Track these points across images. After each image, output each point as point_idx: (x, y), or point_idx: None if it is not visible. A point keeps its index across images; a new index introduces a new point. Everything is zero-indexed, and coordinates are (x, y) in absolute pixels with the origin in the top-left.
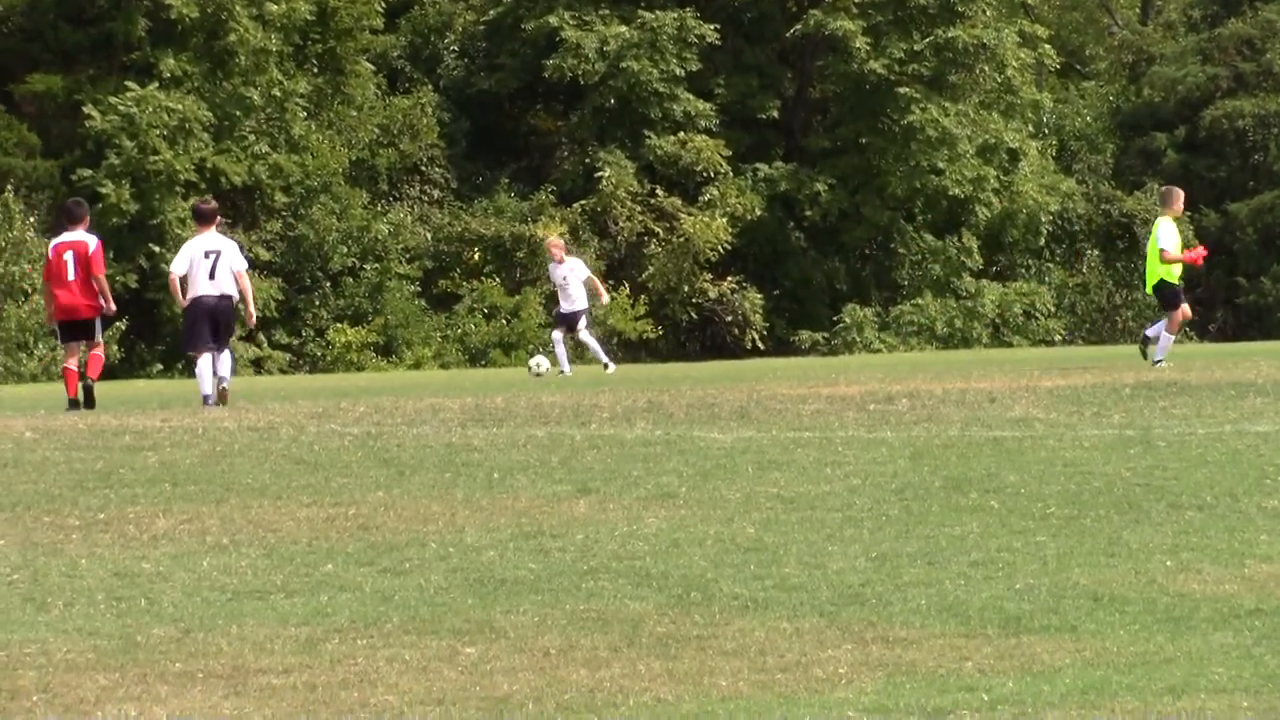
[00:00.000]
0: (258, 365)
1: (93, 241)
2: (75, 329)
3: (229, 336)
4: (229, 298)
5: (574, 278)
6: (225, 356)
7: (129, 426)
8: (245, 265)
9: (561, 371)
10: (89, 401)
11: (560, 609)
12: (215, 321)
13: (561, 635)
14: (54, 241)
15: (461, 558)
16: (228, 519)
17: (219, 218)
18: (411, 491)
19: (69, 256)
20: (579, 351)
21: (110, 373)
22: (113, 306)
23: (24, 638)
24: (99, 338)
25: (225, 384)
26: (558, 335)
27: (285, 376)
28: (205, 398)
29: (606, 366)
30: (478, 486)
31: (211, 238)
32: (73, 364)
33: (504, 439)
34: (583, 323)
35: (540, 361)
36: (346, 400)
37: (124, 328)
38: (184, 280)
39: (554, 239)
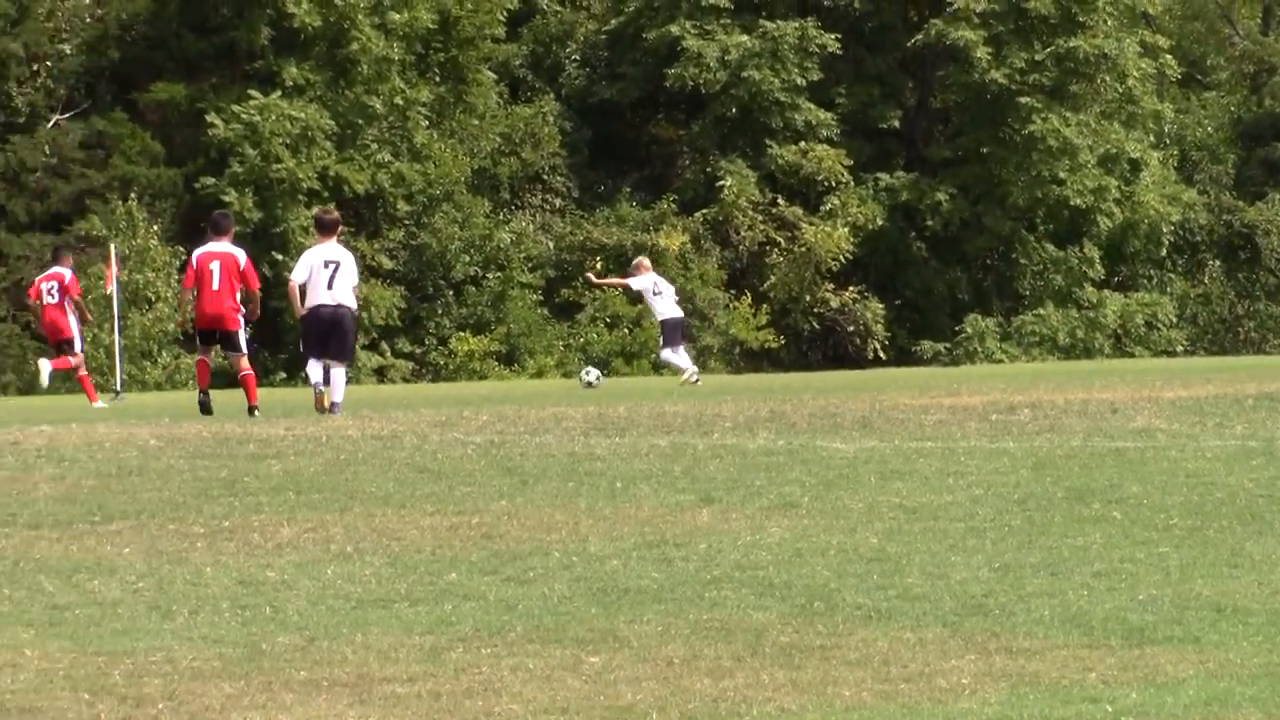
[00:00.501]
0: (381, 374)
1: (242, 255)
2: (214, 337)
3: (346, 347)
4: (346, 308)
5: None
6: (338, 378)
7: (253, 435)
8: (357, 280)
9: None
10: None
11: (684, 618)
12: (330, 331)
13: (685, 645)
14: (199, 251)
15: (585, 567)
16: (352, 527)
17: (341, 228)
18: (535, 500)
19: (215, 266)
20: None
21: (233, 380)
22: (256, 312)
23: (149, 646)
24: (243, 349)
25: (337, 408)
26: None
27: (408, 385)
28: (316, 385)
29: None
30: (601, 495)
31: (332, 248)
32: (208, 356)
33: (627, 448)
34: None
35: (591, 371)
36: (469, 409)
37: (247, 335)
38: (303, 289)
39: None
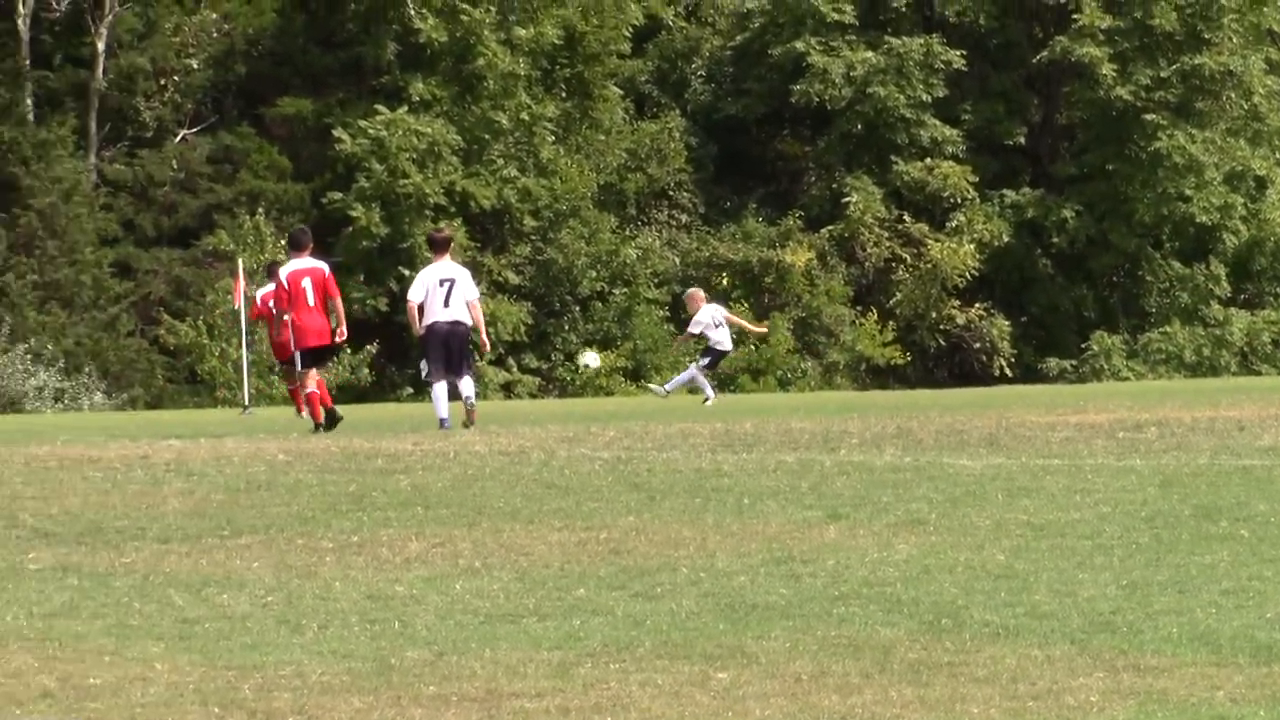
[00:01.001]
0: (507, 389)
1: (325, 266)
2: (319, 355)
3: (466, 363)
4: (463, 324)
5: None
6: (466, 388)
7: (381, 450)
8: (477, 294)
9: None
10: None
11: (811, 634)
12: (450, 348)
13: (813, 661)
14: (288, 269)
15: (713, 583)
16: (480, 542)
17: (453, 245)
18: (662, 516)
19: (307, 283)
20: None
21: (361, 396)
22: (344, 330)
23: (279, 660)
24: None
25: (471, 402)
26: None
27: (535, 401)
28: (441, 421)
29: (663, 391)
30: (728, 512)
31: (446, 265)
32: (312, 385)
33: (754, 464)
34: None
35: (587, 354)
36: (596, 424)
37: (374, 351)
38: (421, 308)
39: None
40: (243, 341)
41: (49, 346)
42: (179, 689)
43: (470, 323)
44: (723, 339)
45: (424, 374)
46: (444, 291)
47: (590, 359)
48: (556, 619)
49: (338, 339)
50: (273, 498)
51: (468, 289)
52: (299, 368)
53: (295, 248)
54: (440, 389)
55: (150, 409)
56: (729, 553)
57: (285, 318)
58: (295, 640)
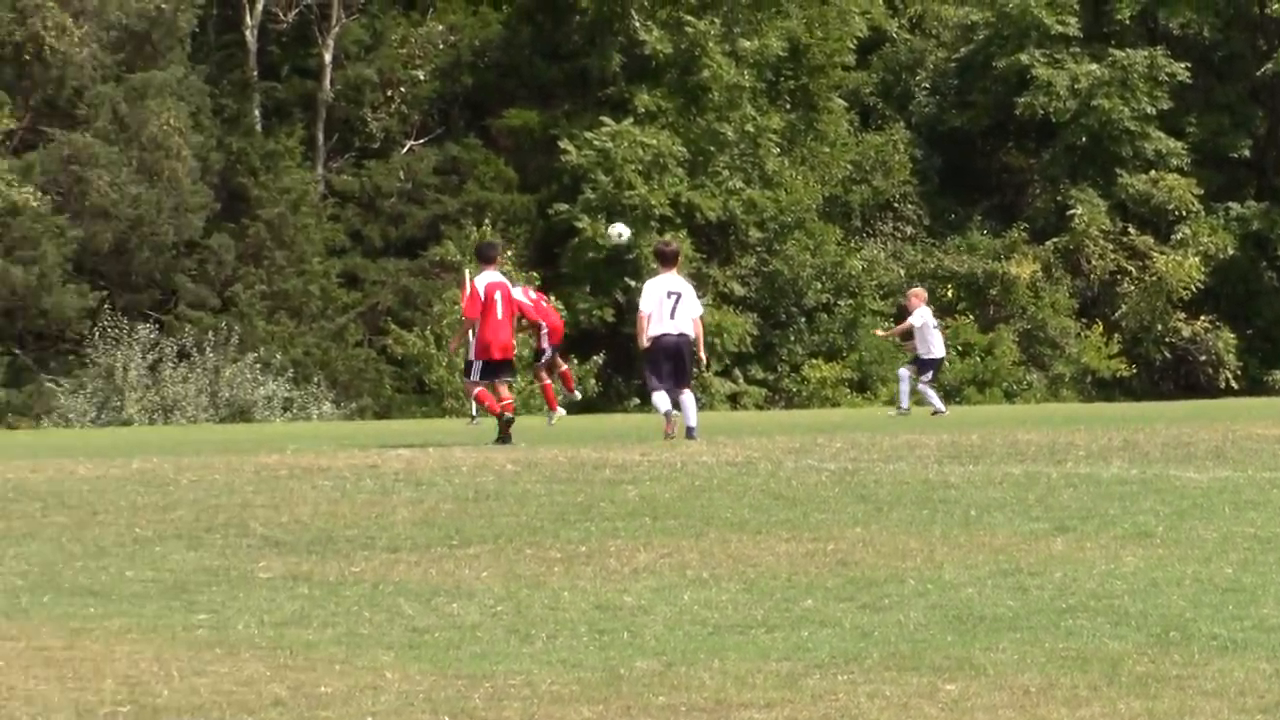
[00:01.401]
0: (734, 400)
1: (513, 286)
2: (503, 367)
3: (687, 375)
4: (687, 337)
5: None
6: (689, 401)
7: (609, 460)
8: (701, 310)
9: (900, 409)
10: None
11: (1039, 647)
12: (674, 360)
13: (1041, 673)
14: (485, 280)
15: (940, 594)
16: (707, 553)
17: (680, 259)
18: (889, 528)
19: (499, 296)
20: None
21: (588, 406)
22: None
23: (509, 669)
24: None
25: (693, 431)
26: (904, 372)
27: (761, 412)
28: (666, 414)
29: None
30: (955, 523)
31: (673, 279)
32: (508, 395)
33: (980, 476)
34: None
35: (618, 229)
36: (823, 435)
37: (600, 362)
38: (648, 319)
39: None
40: (471, 352)
41: (278, 356)
42: (409, 698)
43: (694, 336)
44: (934, 344)
45: (649, 385)
46: (671, 304)
47: (619, 230)
48: (784, 630)
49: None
50: (501, 507)
51: (693, 303)
52: (476, 377)
53: (486, 261)
54: (660, 395)
55: (378, 418)
56: (956, 564)
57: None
58: (524, 650)
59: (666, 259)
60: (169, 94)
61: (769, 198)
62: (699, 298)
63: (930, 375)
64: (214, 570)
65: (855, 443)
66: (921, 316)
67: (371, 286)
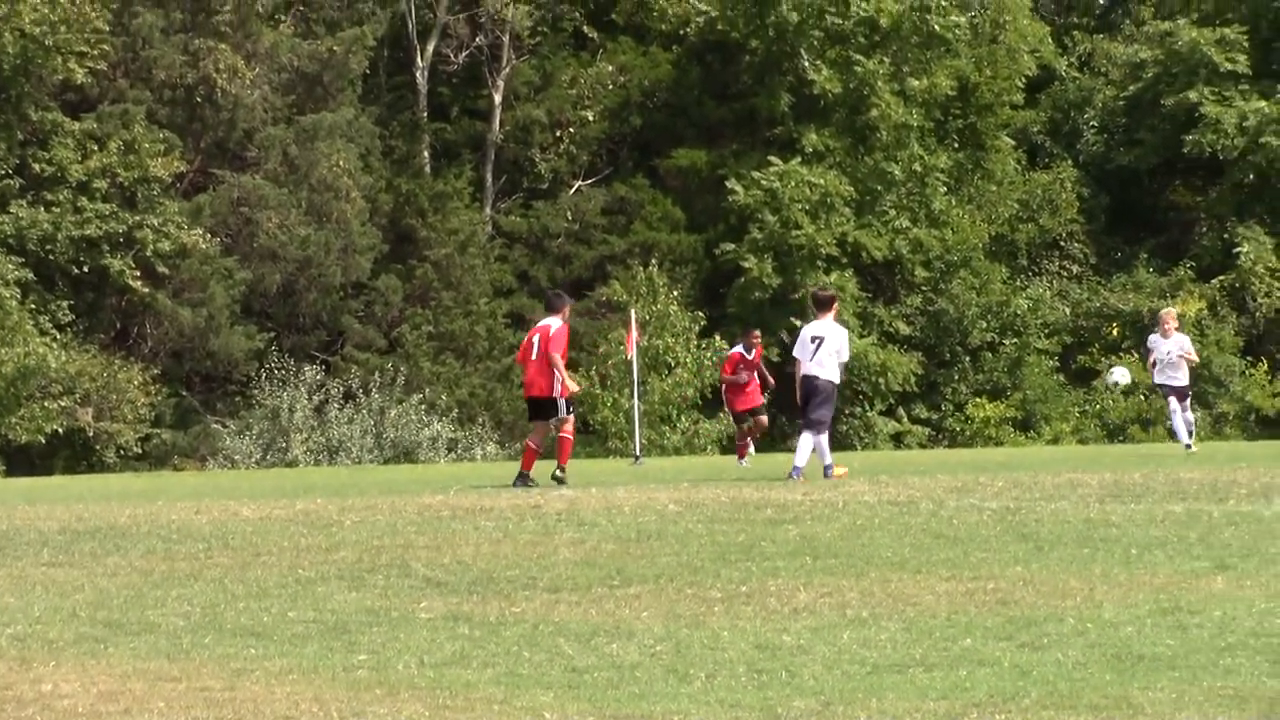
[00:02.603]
0: (897, 440)
1: (555, 324)
2: (534, 407)
3: (818, 416)
4: (824, 380)
5: (1179, 351)
6: (802, 441)
7: (770, 500)
8: (847, 355)
9: (1187, 447)
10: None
11: (1198, 686)
12: (808, 399)
13: (1199, 712)
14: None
15: (1099, 633)
16: (867, 592)
17: (835, 305)
18: (1050, 566)
19: (535, 338)
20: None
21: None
22: (570, 387)
23: (667, 709)
24: (564, 415)
25: (794, 473)
26: (1174, 405)
27: (924, 451)
28: (795, 470)
29: (1188, 447)
30: (1115, 562)
31: (822, 324)
32: (533, 442)
33: (1142, 515)
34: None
35: (1118, 374)
36: (985, 475)
37: (766, 401)
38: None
39: (1169, 311)
40: (634, 392)
41: (443, 397)
42: None
43: (827, 379)
44: (1174, 373)
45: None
46: (813, 348)
47: (1120, 375)
48: (943, 669)
49: (561, 394)
50: (662, 547)
51: (841, 348)
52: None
53: (549, 309)
54: (805, 439)
55: (542, 459)
56: (1116, 603)
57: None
58: (683, 689)
59: (821, 304)
60: (339, 136)
61: (935, 237)
62: (859, 338)
63: (1178, 405)
64: (375, 611)
65: (1017, 482)
66: (1173, 344)
67: None
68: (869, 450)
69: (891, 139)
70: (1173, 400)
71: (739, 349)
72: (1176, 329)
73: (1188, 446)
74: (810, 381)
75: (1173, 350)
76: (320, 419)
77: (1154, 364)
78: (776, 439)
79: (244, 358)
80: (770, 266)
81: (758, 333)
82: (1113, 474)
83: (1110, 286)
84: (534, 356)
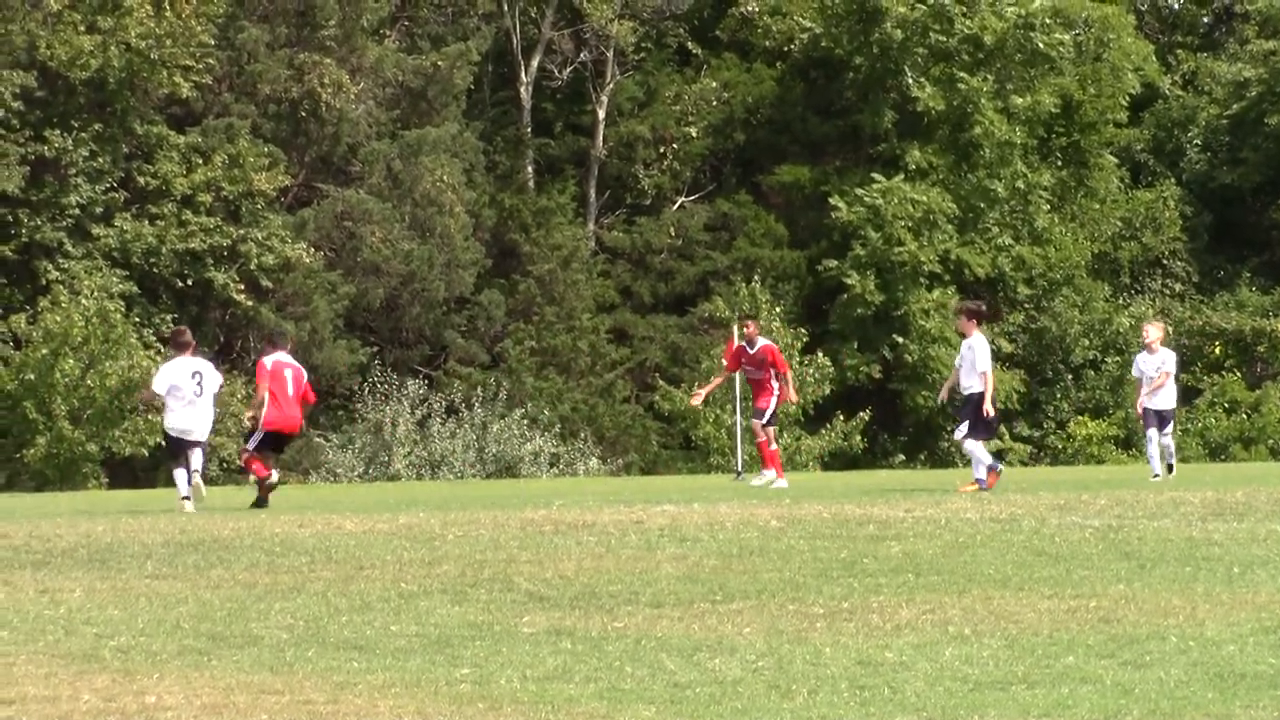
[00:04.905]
0: (999, 457)
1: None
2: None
3: (962, 423)
4: (972, 391)
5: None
6: (969, 447)
7: (873, 516)
8: (989, 366)
9: (1155, 476)
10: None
11: None
12: (959, 411)
13: None
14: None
15: (1201, 651)
16: (969, 609)
17: (978, 319)
18: (1152, 584)
19: (288, 374)
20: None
21: (853, 462)
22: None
23: None
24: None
25: (982, 486)
26: (1152, 434)
27: (1026, 469)
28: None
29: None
30: (1218, 580)
31: (970, 339)
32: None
33: (1244, 533)
34: (1169, 427)
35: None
36: (1087, 493)
37: (867, 418)
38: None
39: (1154, 322)
40: (735, 408)
41: (545, 412)
42: None
43: (977, 390)
44: (1157, 394)
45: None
46: (958, 363)
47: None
48: (1045, 686)
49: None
50: (764, 563)
51: (980, 359)
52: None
53: (273, 345)
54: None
55: (644, 474)
56: (1218, 621)
57: None
58: (785, 705)
59: (974, 316)
60: (443, 150)
61: (1038, 254)
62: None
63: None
64: (477, 625)
65: (1120, 499)
66: (1156, 361)
67: (640, 343)
68: (968, 468)
69: (995, 156)
70: (1151, 431)
71: (741, 341)
72: (1161, 342)
73: (1155, 476)
74: (965, 394)
75: (1160, 368)
76: (422, 433)
77: (1140, 385)
78: (878, 455)
79: (347, 372)
80: (873, 283)
81: (749, 321)
82: (1215, 493)
83: (1213, 305)
84: (290, 393)
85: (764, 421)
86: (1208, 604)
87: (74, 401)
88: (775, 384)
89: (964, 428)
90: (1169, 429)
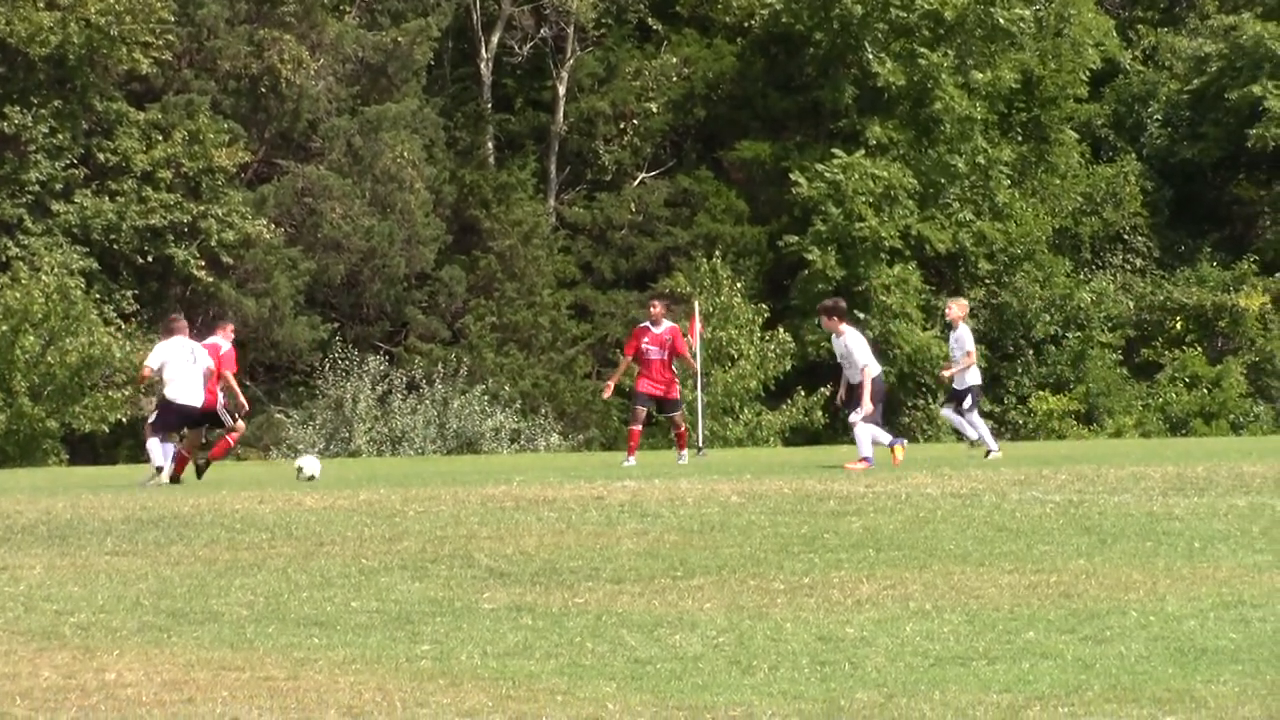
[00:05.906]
0: (959, 433)
1: (224, 345)
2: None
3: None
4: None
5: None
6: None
7: (834, 492)
8: (868, 360)
9: (987, 451)
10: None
11: (1260, 679)
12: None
13: (1262, 706)
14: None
15: (1162, 626)
16: (930, 585)
17: (839, 316)
18: (1113, 560)
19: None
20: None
21: (815, 438)
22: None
23: (729, 700)
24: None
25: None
26: (947, 413)
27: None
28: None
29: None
30: (1179, 555)
31: (843, 338)
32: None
33: (1205, 508)
34: (967, 402)
35: (308, 463)
36: (1048, 468)
37: (828, 394)
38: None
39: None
40: (698, 384)
41: (506, 388)
42: None
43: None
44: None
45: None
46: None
47: (309, 466)
48: (1006, 662)
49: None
50: (725, 539)
51: (965, 340)
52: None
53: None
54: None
55: (605, 450)
56: (1179, 596)
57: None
58: (746, 681)
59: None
60: (403, 127)
61: (999, 230)
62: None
63: (968, 404)
64: (438, 601)
65: (1080, 474)
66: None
67: (601, 319)
68: (932, 443)
69: (955, 132)
70: (946, 409)
71: (645, 323)
72: (963, 319)
73: (972, 443)
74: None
75: (954, 347)
76: (383, 409)
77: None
78: (838, 431)
79: (308, 348)
80: (834, 259)
81: (656, 301)
82: (1176, 467)
83: (1174, 280)
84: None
85: (682, 411)
86: (1168, 579)
87: (34, 378)
88: (674, 369)
89: (860, 412)
90: (967, 404)
